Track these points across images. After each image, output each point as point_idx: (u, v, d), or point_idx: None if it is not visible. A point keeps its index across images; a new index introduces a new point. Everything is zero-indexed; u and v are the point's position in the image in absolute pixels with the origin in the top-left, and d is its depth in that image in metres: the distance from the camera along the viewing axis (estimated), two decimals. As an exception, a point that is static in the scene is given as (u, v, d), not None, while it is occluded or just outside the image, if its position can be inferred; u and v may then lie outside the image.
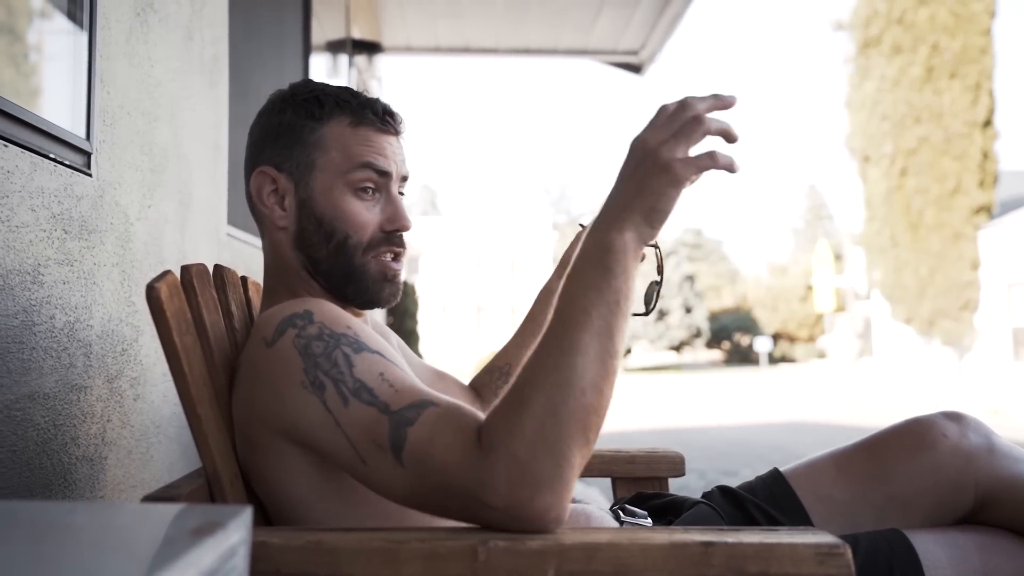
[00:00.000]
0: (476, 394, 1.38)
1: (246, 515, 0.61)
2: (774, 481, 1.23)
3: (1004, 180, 16.69)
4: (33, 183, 1.10)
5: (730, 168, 0.82)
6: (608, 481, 1.49)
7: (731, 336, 42.35)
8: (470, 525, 0.81)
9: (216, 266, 1.11)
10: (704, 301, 41.96)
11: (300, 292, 1.08)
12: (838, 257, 21.72)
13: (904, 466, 1.16)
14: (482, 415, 0.82)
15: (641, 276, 0.88)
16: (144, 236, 1.46)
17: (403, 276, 1.11)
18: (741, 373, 32.18)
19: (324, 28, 4.13)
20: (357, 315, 1.12)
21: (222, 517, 0.59)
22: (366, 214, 1.05)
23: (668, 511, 1.23)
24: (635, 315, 0.90)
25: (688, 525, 1.13)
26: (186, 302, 0.96)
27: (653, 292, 0.99)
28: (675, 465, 1.47)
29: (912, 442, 1.17)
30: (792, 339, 41.68)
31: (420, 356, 1.46)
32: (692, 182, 0.83)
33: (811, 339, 40.76)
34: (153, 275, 1.09)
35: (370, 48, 4.85)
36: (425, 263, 37.72)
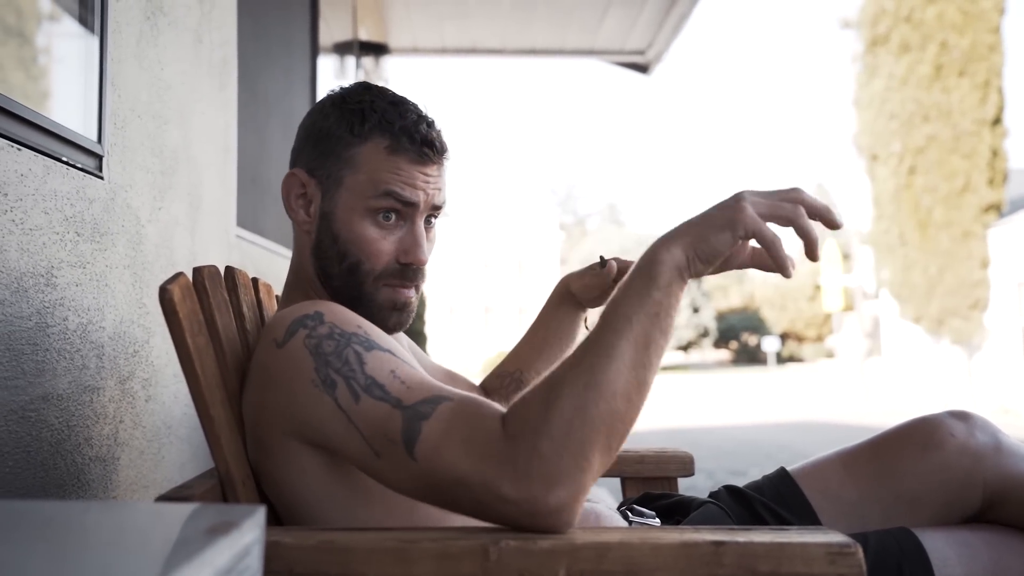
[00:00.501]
0: (487, 396, 1.38)
1: (260, 514, 0.61)
2: (781, 480, 1.23)
3: (1013, 178, 16.59)
4: (46, 186, 1.11)
5: (783, 266, 0.84)
6: (617, 481, 1.50)
7: (739, 336, 42.24)
8: (481, 523, 0.82)
9: (227, 268, 1.12)
10: (711, 301, 41.86)
11: (313, 296, 1.09)
12: (846, 256, 21.65)
13: (911, 465, 1.16)
14: (502, 408, 0.83)
15: None
16: (155, 238, 1.47)
17: (414, 306, 1.09)
18: (749, 373, 32.10)
19: (331, 30, 4.14)
20: None
21: (236, 516, 0.60)
22: (382, 243, 1.04)
23: (676, 511, 1.23)
24: None
25: (697, 525, 1.14)
26: (198, 303, 0.97)
27: None
28: (684, 465, 1.47)
29: (919, 441, 1.17)
30: (800, 339, 41.54)
31: (428, 356, 1.46)
32: (743, 242, 0.85)
33: (819, 339, 40.62)
34: (164, 277, 1.10)
35: (377, 49, 4.86)
36: (433, 264, 37.74)
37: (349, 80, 4.60)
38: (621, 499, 1.44)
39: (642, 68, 5.71)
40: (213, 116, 1.83)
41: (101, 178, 1.27)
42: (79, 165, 1.20)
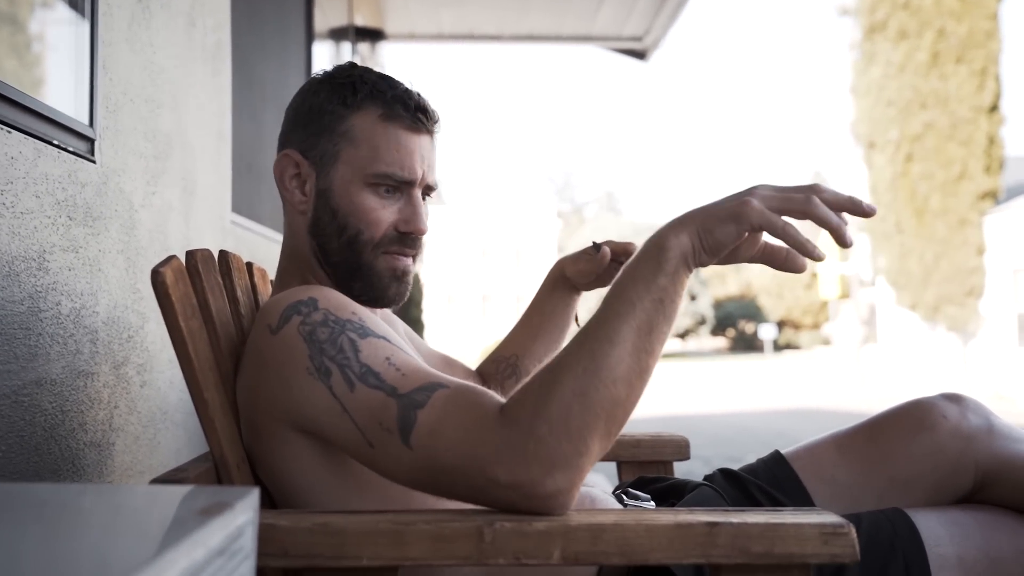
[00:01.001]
0: (483, 381, 1.38)
1: (253, 496, 0.61)
2: (776, 463, 1.23)
3: (1010, 166, 16.60)
4: (37, 169, 1.10)
5: (794, 264, 0.85)
6: (613, 465, 1.50)
7: (736, 323, 42.31)
8: (476, 507, 0.82)
9: (221, 251, 1.12)
10: (708, 288, 41.89)
11: (309, 279, 1.08)
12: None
13: (905, 448, 1.16)
14: (497, 395, 0.83)
15: None
16: (148, 223, 1.46)
17: (412, 276, 1.10)
18: (746, 360, 32.18)
19: (327, 15, 4.12)
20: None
21: (229, 498, 0.60)
22: (381, 211, 1.04)
23: (670, 494, 1.23)
24: None
25: (691, 507, 1.14)
26: (191, 287, 0.96)
27: None
28: (680, 449, 1.47)
29: (912, 424, 1.17)
30: (797, 326, 41.62)
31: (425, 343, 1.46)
32: (752, 235, 0.85)
33: (816, 326, 40.70)
34: (158, 262, 1.10)
35: (373, 35, 4.83)
36: (430, 252, 37.72)
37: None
38: (617, 482, 1.44)
39: (640, 54, 5.69)
40: (207, 101, 1.82)
41: (93, 162, 1.26)
42: (70, 148, 1.19)
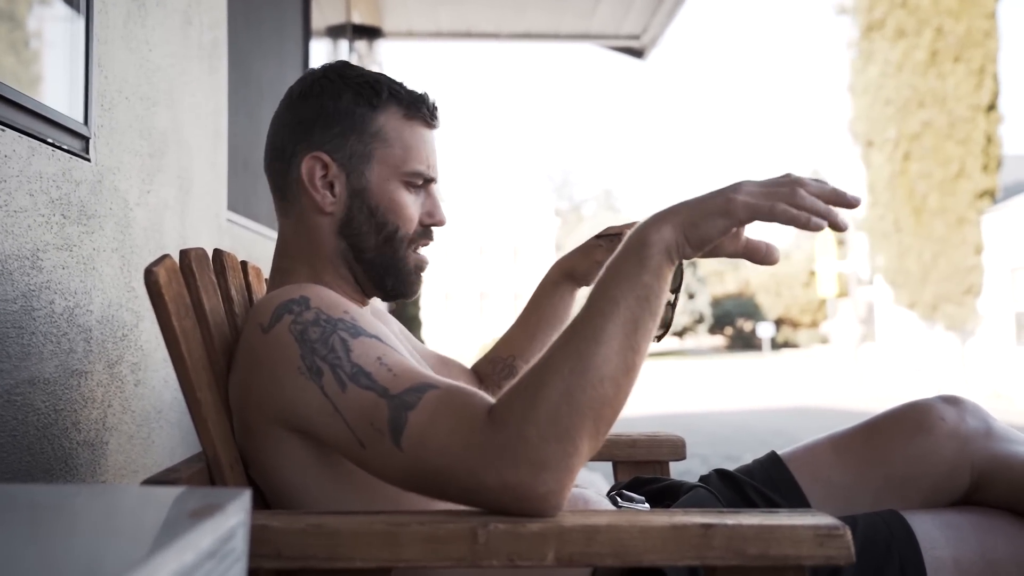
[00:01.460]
0: (479, 381, 1.38)
1: (245, 498, 0.61)
2: (772, 464, 1.23)
3: (1008, 164, 16.62)
4: (31, 167, 1.09)
5: (768, 255, 0.88)
6: (609, 465, 1.50)
7: (734, 322, 42.36)
8: (469, 508, 0.82)
9: (216, 250, 1.11)
10: (707, 286, 41.92)
11: (323, 275, 1.08)
12: (841, 242, 21.68)
13: (902, 449, 1.16)
14: (488, 397, 0.83)
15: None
16: (144, 221, 1.46)
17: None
18: (744, 359, 32.21)
19: (324, 13, 4.11)
20: (362, 303, 1.12)
21: (221, 500, 0.60)
22: (413, 207, 1.08)
23: (666, 495, 1.23)
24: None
25: (686, 508, 1.13)
26: (185, 286, 0.96)
27: (668, 312, 0.98)
28: (676, 449, 1.47)
29: (910, 426, 1.17)
30: (795, 325, 41.67)
31: (423, 342, 1.46)
32: (738, 230, 0.86)
33: (814, 324, 40.75)
34: (153, 261, 1.09)
35: (371, 33, 4.82)
36: (427, 249, 37.71)
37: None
38: (613, 482, 1.44)
39: (637, 53, 5.69)
40: (203, 99, 1.81)
41: (88, 160, 1.26)
42: (65, 147, 1.19)
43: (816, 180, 0.85)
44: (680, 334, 40.84)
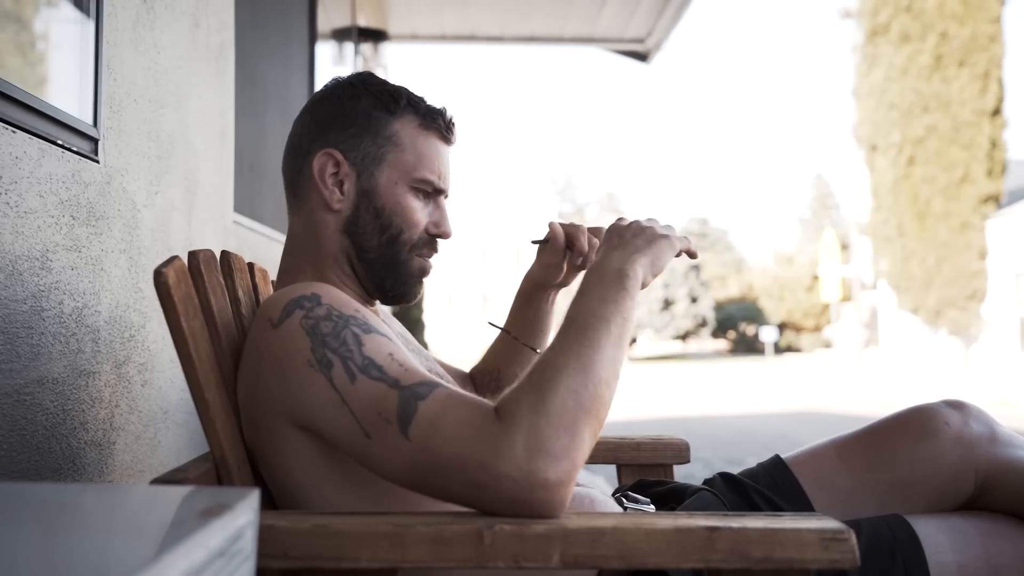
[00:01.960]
0: (474, 387, 1.39)
1: (253, 498, 0.61)
2: (776, 468, 1.23)
3: (1013, 169, 16.58)
4: (41, 169, 1.10)
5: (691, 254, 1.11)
6: (613, 468, 1.50)
7: (737, 326, 42.29)
8: (469, 510, 0.82)
9: (223, 252, 1.12)
10: (710, 290, 41.86)
11: (328, 274, 1.09)
12: (844, 247, 21.66)
13: (906, 454, 1.16)
14: (490, 403, 0.84)
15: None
16: (151, 223, 1.47)
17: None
18: (747, 363, 32.16)
19: (330, 16, 4.12)
20: (367, 304, 1.13)
21: (230, 499, 0.60)
22: (420, 214, 1.10)
23: (670, 498, 1.23)
24: None
25: (691, 511, 1.14)
26: (193, 287, 0.97)
27: None
28: (680, 452, 1.47)
29: (914, 430, 1.17)
30: (798, 329, 41.60)
31: (426, 346, 1.47)
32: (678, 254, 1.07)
33: (817, 329, 40.68)
34: (160, 262, 1.10)
35: (376, 36, 4.83)
36: (431, 260, 37.70)
37: (348, 66, 4.57)
38: (617, 485, 1.45)
39: (642, 56, 5.69)
40: (210, 101, 1.82)
41: (97, 162, 1.26)
42: (74, 148, 1.19)
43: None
44: (683, 338, 40.78)
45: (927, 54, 14.81)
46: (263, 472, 0.98)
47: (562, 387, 0.82)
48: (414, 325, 7.84)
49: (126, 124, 1.37)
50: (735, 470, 1.29)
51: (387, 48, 5.13)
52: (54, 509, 0.61)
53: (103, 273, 1.27)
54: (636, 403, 12.35)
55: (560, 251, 1.28)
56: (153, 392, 1.46)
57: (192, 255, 0.99)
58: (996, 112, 14.53)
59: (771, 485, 1.21)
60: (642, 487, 1.30)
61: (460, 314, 38.20)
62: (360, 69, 4.70)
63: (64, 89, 1.23)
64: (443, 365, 1.35)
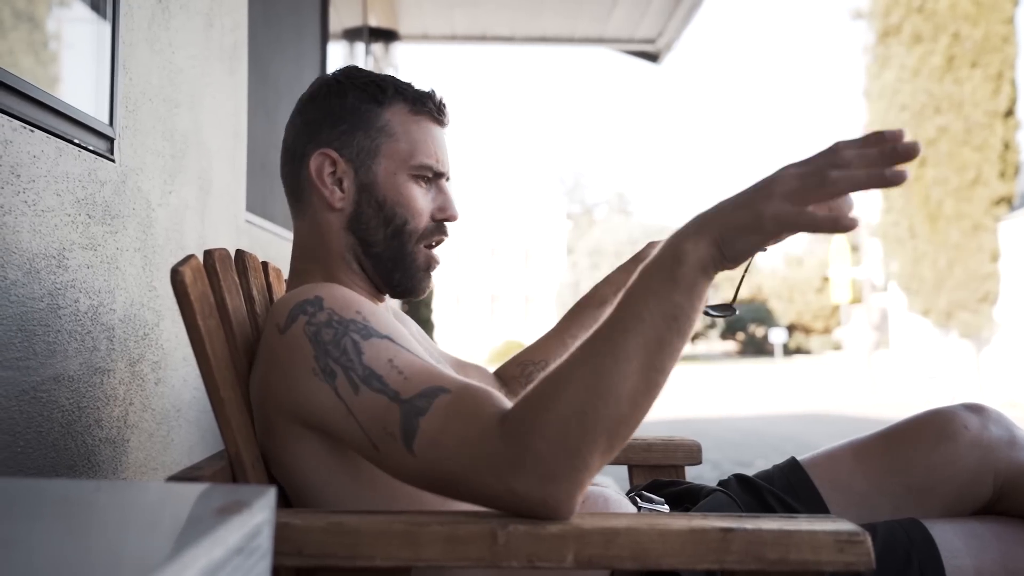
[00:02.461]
0: (502, 383, 1.38)
1: (270, 495, 0.62)
2: (792, 470, 1.23)
3: (1025, 171, 16.47)
4: (58, 168, 1.11)
5: (839, 224, 0.76)
6: (624, 469, 1.50)
7: (746, 327, 42.15)
8: (486, 509, 0.82)
9: (238, 251, 1.12)
10: (719, 292, 41.73)
11: (337, 274, 1.09)
12: (855, 248, 21.55)
13: (924, 457, 1.15)
14: (504, 399, 0.83)
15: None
16: (165, 222, 1.47)
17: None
18: (756, 364, 32.06)
19: (341, 16, 4.13)
20: (378, 300, 1.13)
21: (247, 497, 0.60)
22: (423, 201, 1.08)
23: (684, 499, 1.23)
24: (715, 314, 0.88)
25: (705, 512, 1.13)
26: (209, 286, 0.97)
27: (736, 290, 0.96)
28: (692, 453, 1.47)
29: (932, 433, 1.16)
30: (808, 330, 41.43)
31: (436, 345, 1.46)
32: (779, 240, 0.79)
33: (827, 331, 40.51)
34: (174, 261, 1.10)
35: (387, 36, 4.85)
36: (439, 252, 37.72)
37: (359, 66, 4.58)
38: (628, 487, 1.44)
39: (652, 57, 5.69)
40: (223, 101, 1.83)
41: (113, 161, 1.27)
42: (91, 147, 1.20)
43: (861, 142, 0.77)
44: (692, 339, 40.58)
45: (939, 55, 14.73)
46: (275, 471, 0.98)
47: (566, 406, 0.75)
48: (423, 325, 7.85)
49: (141, 123, 1.38)
50: (745, 471, 1.29)
51: (398, 48, 5.14)
52: (72, 505, 0.61)
53: (118, 271, 1.28)
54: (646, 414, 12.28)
55: None
56: (166, 390, 1.46)
57: (208, 254, 1.00)
58: (1009, 113, 14.43)
59: (786, 487, 1.21)
60: (656, 487, 1.29)
61: (468, 314, 38.21)
62: (370, 68, 4.71)
63: (81, 89, 1.23)
64: (463, 365, 1.34)
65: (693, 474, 1.50)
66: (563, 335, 1.37)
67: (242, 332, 1.02)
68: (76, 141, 1.16)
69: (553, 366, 0.80)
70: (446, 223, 1.11)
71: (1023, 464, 1.11)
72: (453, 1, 4.92)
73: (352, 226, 1.08)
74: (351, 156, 1.07)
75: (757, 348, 41.14)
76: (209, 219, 1.71)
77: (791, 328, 40.95)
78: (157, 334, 1.43)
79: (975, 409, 1.17)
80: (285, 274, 1.35)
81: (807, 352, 40.04)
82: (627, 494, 1.20)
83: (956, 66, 14.64)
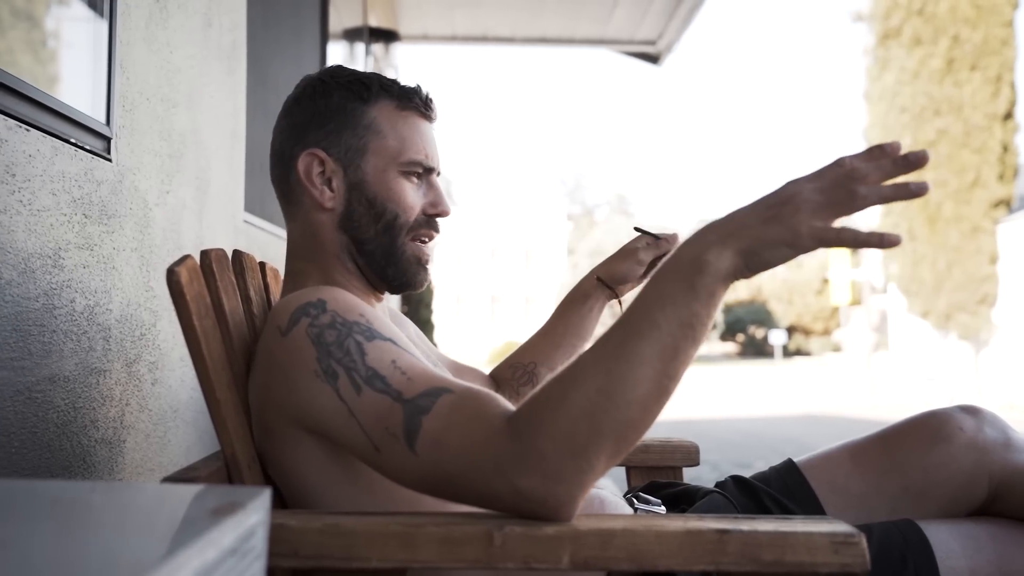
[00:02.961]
0: (497, 386, 1.38)
1: (265, 496, 0.61)
2: (788, 472, 1.23)
3: (1024, 173, 16.48)
4: (54, 167, 1.11)
5: (885, 242, 0.76)
6: (622, 470, 1.50)
7: (746, 329, 42.17)
8: (485, 511, 0.82)
9: (235, 251, 1.12)
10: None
11: (333, 274, 1.08)
12: (854, 250, 21.56)
13: (919, 459, 1.15)
14: (506, 402, 0.83)
15: None
16: (162, 221, 1.47)
17: (433, 263, 1.15)
18: (755, 366, 32.06)
19: (341, 16, 4.13)
20: (377, 300, 1.13)
21: (241, 498, 0.60)
22: (413, 196, 1.08)
23: (681, 500, 1.23)
24: None
25: (702, 514, 1.13)
26: (205, 286, 0.97)
27: None
28: (689, 454, 1.47)
29: (928, 435, 1.16)
30: (807, 332, 41.45)
31: (436, 346, 1.47)
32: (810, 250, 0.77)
33: (826, 332, 40.53)
34: (171, 261, 1.10)
35: (387, 36, 4.85)
36: (439, 252, 37.76)
37: (359, 67, 4.58)
38: (626, 488, 1.44)
39: (653, 58, 5.69)
40: (222, 101, 1.82)
41: (109, 160, 1.27)
42: (87, 147, 1.20)
43: (866, 154, 0.77)
44: (691, 340, 40.53)
45: (939, 58, 14.74)
46: (272, 473, 0.98)
47: (576, 408, 0.75)
48: (423, 326, 7.85)
49: (138, 123, 1.38)
50: (743, 473, 1.28)
51: (398, 49, 5.14)
52: (66, 506, 0.61)
53: (115, 271, 1.28)
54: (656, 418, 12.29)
55: (636, 274, 1.28)
56: (163, 391, 1.46)
57: (204, 254, 0.99)
58: (1008, 116, 14.45)
59: (783, 489, 1.20)
60: (653, 488, 1.29)
61: (468, 315, 38.21)
62: (371, 70, 4.71)
63: (78, 88, 1.23)
64: (460, 367, 1.34)
65: (691, 475, 1.50)
66: (551, 336, 1.37)
67: (239, 333, 1.02)
68: (72, 140, 1.16)
69: (561, 368, 0.80)
70: (438, 219, 1.11)
71: (1018, 466, 1.11)
72: (454, 2, 4.92)
73: (344, 225, 1.08)
74: (339, 155, 1.07)
75: (757, 349, 41.16)
76: (207, 219, 1.71)
77: (791, 330, 40.97)
78: (154, 335, 1.42)
79: (970, 411, 1.17)
80: (283, 274, 1.34)
81: (807, 354, 40.05)
82: (624, 495, 1.20)
83: (956, 69, 14.66)
